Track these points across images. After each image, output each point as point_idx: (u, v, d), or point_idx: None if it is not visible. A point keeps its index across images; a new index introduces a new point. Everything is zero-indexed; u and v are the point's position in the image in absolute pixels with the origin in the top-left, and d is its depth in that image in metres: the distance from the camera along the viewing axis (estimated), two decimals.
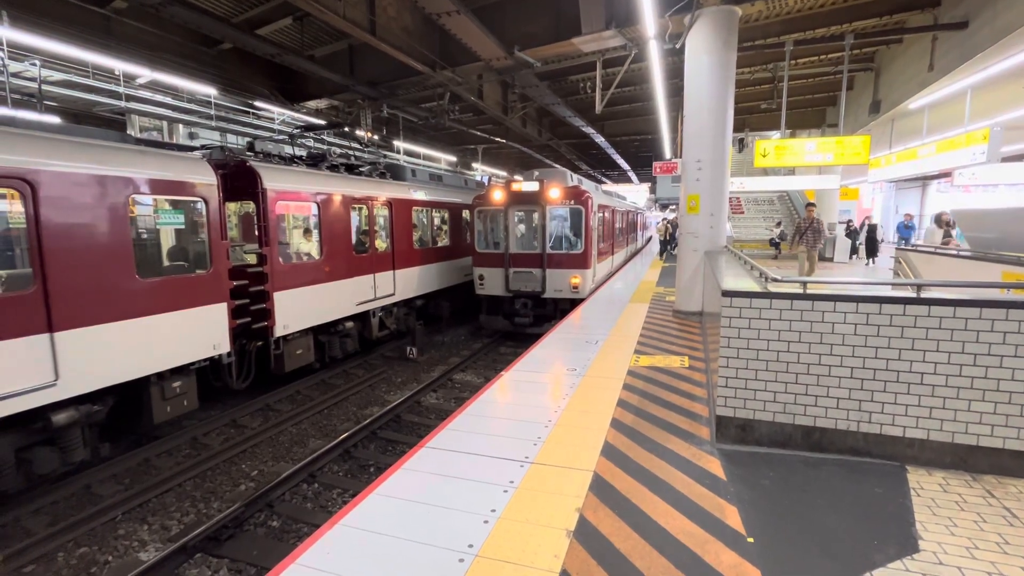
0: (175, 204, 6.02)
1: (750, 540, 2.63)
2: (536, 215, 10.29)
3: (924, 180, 28.80)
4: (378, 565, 2.44)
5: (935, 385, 3.27)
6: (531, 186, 9.97)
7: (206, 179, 6.04)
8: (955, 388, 3.24)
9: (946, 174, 17.87)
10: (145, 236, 6.02)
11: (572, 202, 9.97)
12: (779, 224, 22.55)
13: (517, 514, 2.84)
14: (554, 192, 9.89)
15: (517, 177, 10.67)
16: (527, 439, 3.79)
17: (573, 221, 10.26)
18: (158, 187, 5.53)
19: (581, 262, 10.01)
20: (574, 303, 9.92)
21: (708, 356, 5.56)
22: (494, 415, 4.28)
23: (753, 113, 19.43)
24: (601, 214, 11.72)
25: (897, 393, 3.36)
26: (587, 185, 11.68)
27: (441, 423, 4.13)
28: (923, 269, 10.30)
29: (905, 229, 17.82)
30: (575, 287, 9.93)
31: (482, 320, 10.86)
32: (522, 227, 11.04)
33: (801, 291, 3.54)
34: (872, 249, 18.48)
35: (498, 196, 10.22)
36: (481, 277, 10.58)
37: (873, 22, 10.93)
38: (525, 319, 10.28)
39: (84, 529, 4.51)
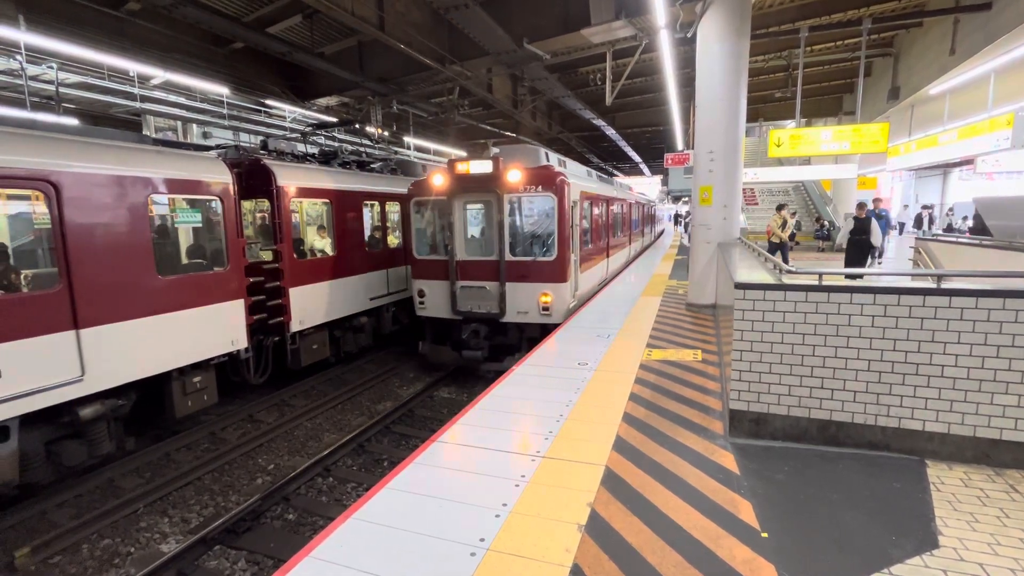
0: (192, 203, 6.13)
1: (764, 535, 2.60)
2: (492, 207, 7.56)
3: (945, 168, 28.09)
4: (391, 558, 2.46)
5: (956, 378, 3.20)
6: (482, 167, 7.19)
7: (222, 178, 6.13)
8: (977, 381, 3.16)
9: (968, 161, 17.36)
10: (164, 235, 6.12)
11: (539, 188, 7.20)
12: (794, 214, 22.15)
13: (528, 508, 2.84)
14: (514, 175, 7.12)
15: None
16: (538, 433, 3.79)
17: (542, 215, 7.54)
18: (176, 187, 5.63)
19: (554, 272, 7.32)
20: (546, 329, 7.33)
21: (721, 349, 5.50)
22: (505, 409, 4.29)
23: (767, 102, 19.12)
24: (587, 205, 9.03)
25: (916, 386, 3.28)
26: (572, 168, 9.13)
27: (453, 417, 4.15)
28: (944, 259, 10.05)
29: (877, 219, 16.03)
30: (546, 307, 7.36)
31: (423, 350, 8.22)
32: (474, 225, 8.35)
33: (816, 283, 3.48)
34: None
35: (439, 182, 7.54)
36: (421, 293, 8.00)
37: (892, 5, 10.67)
38: (477, 352, 7.64)
39: (107, 521, 4.63)
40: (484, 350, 7.70)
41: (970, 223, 16.34)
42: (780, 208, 12.18)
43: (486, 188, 7.38)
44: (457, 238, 7.64)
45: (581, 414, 4.13)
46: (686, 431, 3.82)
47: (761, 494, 2.98)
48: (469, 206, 7.94)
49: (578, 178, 8.56)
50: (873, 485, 3.06)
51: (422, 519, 2.76)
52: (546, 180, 7.22)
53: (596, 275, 10.02)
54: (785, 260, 10.83)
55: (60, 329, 4.51)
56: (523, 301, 7.46)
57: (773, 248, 11.79)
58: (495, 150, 7.68)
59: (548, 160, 7.97)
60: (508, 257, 7.39)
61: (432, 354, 8.13)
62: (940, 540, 2.55)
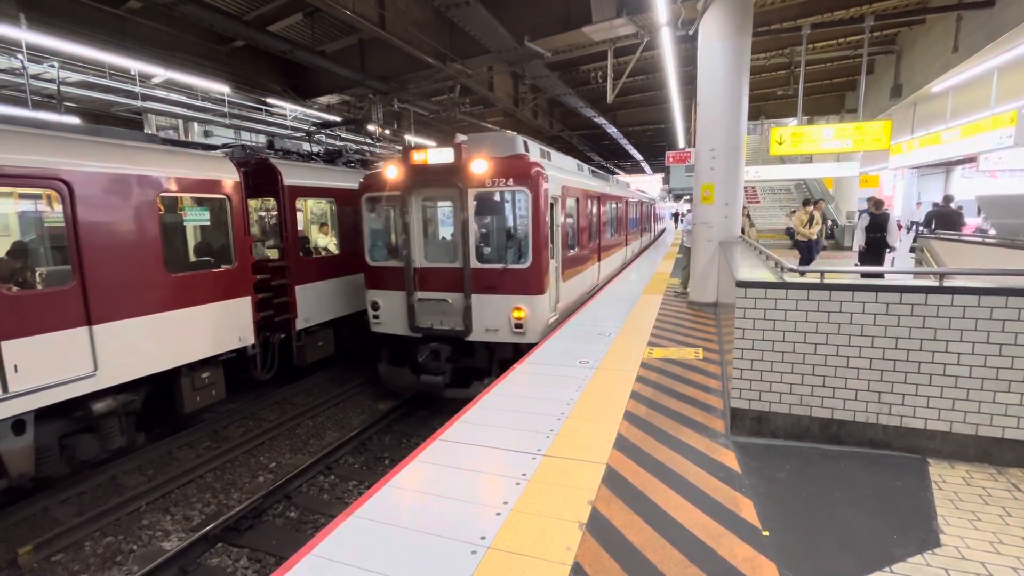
0: (201, 202, 6.17)
1: (765, 533, 2.60)
2: (456, 204, 6.38)
3: (948, 166, 27.98)
4: (392, 556, 2.47)
5: (958, 376, 3.19)
6: (441, 156, 6.15)
7: (230, 177, 6.16)
8: (979, 379, 3.15)
9: (971, 159, 17.29)
10: (173, 233, 6.15)
11: (510, 181, 6.08)
12: (795, 212, 22.08)
13: (529, 506, 2.84)
14: (479, 166, 6.06)
15: (427, 143, 7.27)
16: (540, 431, 3.79)
17: (515, 213, 6.58)
18: (185, 185, 5.68)
19: (528, 283, 6.24)
20: (520, 350, 6.21)
21: (723, 348, 5.49)
22: (507, 408, 4.29)
23: (769, 100, 19.08)
24: (573, 202, 7.92)
25: (918, 384, 3.27)
26: (557, 160, 7.98)
27: (454, 416, 4.15)
28: (947, 258, 10.02)
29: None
30: (519, 324, 6.25)
31: (381, 373, 7.12)
32: (444, 225, 7.32)
33: (818, 281, 3.47)
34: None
35: (393, 174, 6.46)
36: (375, 306, 6.90)
37: (894, 2, 10.62)
38: (436, 377, 6.50)
39: (110, 519, 4.65)
40: (446, 374, 6.51)
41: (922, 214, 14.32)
42: (806, 203, 11.35)
43: (447, 182, 6.26)
44: (414, 241, 6.50)
45: (582, 412, 4.13)
46: (687, 429, 3.82)
47: (762, 492, 2.98)
48: (432, 203, 6.98)
49: (562, 171, 7.63)
50: (875, 483, 3.05)
51: (423, 517, 2.77)
52: (519, 172, 6.09)
53: (583, 283, 8.80)
54: (805, 260, 10.46)
55: (74, 325, 4.56)
56: (492, 317, 6.34)
57: (798, 246, 11.11)
58: (462, 137, 6.47)
59: (525, 149, 6.66)
60: (474, 264, 6.29)
61: (388, 377, 7.04)
62: (942, 539, 2.54)
